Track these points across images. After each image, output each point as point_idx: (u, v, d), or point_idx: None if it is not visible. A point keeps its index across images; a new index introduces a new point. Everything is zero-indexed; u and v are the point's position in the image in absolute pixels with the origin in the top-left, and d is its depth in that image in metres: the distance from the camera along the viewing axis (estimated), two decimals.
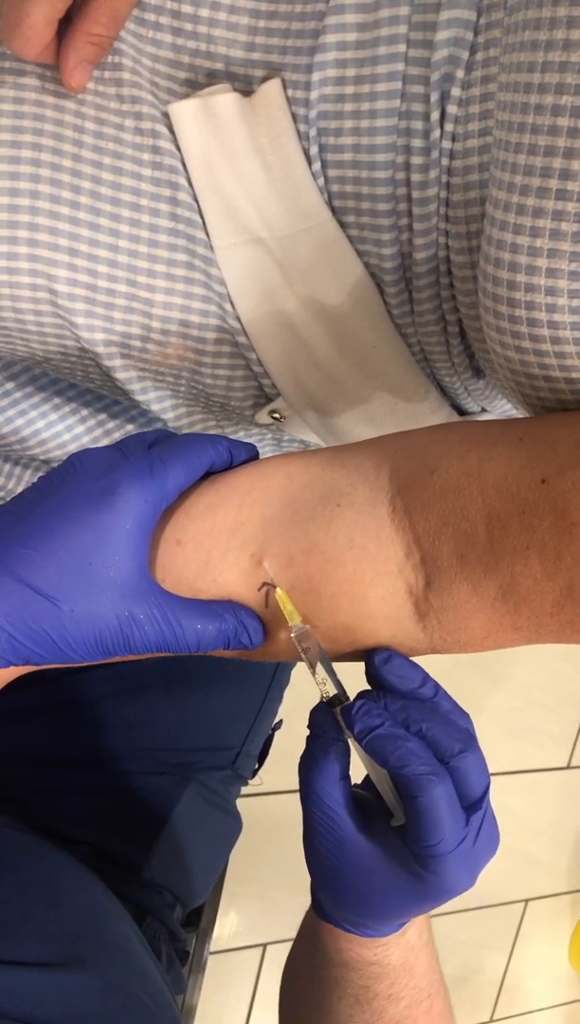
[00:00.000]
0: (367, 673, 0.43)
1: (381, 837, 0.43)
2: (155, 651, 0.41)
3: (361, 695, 0.43)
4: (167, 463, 0.41)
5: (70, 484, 0.40)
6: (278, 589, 0.42)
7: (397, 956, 0.50)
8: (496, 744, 1.82)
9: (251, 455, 0.46)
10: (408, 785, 0.40)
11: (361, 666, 0.44)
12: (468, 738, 0.42)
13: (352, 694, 0.43)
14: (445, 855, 0.40)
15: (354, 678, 0.44)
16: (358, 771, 0.44)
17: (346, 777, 0.43)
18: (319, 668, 0.42)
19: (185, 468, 0.42)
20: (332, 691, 0.43)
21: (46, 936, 0.50)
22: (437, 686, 0.43)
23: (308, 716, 0.44)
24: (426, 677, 0.43)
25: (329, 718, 0.43)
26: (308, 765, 0.43)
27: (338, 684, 0.43)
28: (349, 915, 0.46)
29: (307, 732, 0.44)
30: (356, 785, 0.45)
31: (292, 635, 0.42)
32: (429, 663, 0.43)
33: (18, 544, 0.39)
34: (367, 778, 0.45)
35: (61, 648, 0.39)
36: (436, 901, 0.43)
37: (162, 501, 0.41)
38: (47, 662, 0.40)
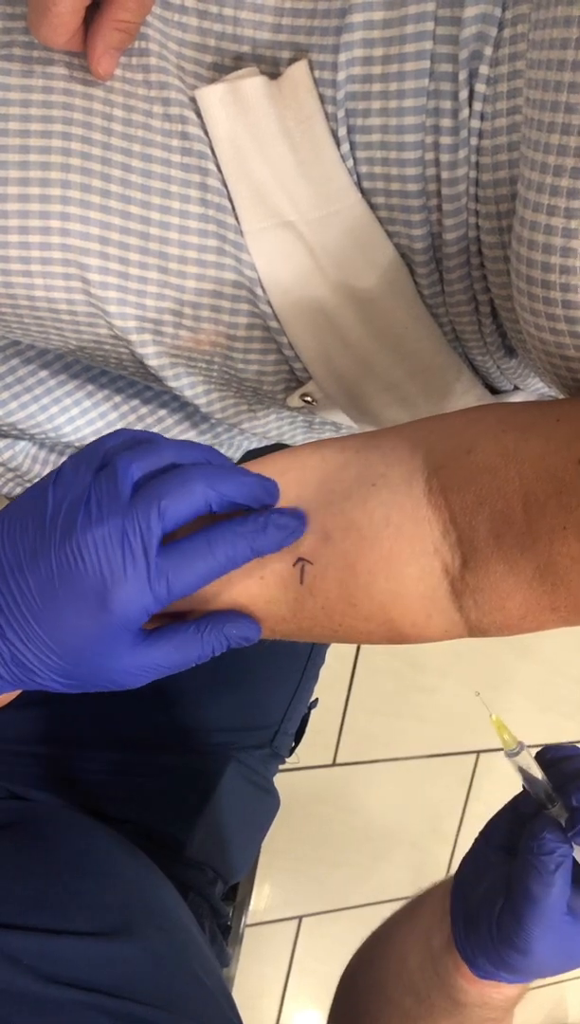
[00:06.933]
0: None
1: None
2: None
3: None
4: (166, 570, 0.38)
5: (68, 586, 0.37)
6: (493, 715, 0.48)
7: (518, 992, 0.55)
8: (527, 717, 1.82)
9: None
10: None
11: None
12: None
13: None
14: None
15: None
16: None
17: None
18: (538, 780, 0.49)
19: (186, 559, 0.39)
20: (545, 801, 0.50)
21: (96, 907, 0.51)
22: None
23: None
24: None
25: (551, 831, 0.49)
26: (536, 877, 0.49)
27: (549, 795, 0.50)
28: (513, 966, 0.51)
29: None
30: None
31: (511, 759, 0.50)
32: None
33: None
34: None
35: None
36: None
37: (164, 604, 0.39)
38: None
